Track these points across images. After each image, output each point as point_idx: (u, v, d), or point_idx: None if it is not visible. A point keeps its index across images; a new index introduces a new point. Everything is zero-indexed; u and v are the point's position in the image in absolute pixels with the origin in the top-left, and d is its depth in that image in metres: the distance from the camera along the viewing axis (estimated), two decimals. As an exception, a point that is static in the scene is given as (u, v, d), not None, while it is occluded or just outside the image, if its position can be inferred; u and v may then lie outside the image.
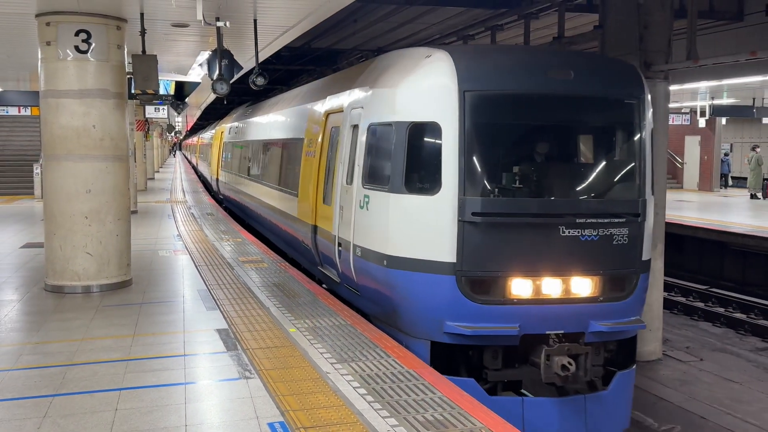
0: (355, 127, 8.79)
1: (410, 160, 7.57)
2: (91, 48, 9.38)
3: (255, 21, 10.48)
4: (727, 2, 13.90)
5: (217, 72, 10.76)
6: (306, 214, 10.97)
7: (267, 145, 16.20)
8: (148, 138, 34.35)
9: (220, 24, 10.04)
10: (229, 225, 17.78)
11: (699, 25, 12.37)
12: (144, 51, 10.30)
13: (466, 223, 7.18)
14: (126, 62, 10.10)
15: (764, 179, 28.74)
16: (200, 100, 30.04)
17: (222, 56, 10.71)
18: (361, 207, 8.19)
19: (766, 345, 13.42)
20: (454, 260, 7.21)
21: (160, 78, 11.73)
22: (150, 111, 26.18)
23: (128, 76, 10.68)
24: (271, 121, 16.20)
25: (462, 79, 7.37)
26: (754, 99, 30.38)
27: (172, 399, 5.73)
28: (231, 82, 11.03)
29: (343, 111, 9.46)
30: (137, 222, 17.53)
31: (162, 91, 16.66)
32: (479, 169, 7.44)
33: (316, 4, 9.22)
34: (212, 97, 26.03)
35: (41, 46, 9.49)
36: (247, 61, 13.60)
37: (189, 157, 72.40)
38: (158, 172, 49.60)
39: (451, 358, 7.53)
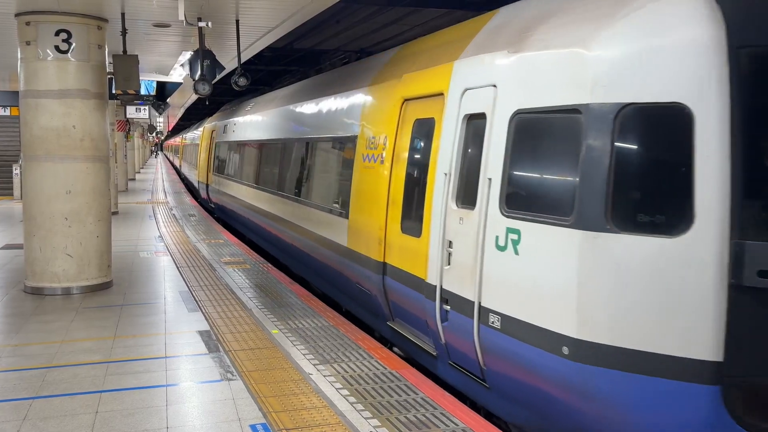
0: (475, 117, 5.94)
1: (622, 171, 4.55)
2: (72, 48, 9.32)
3: (237, 21, 10.45)
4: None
5: (199, 72, 10.72)
6: (365, 245, 7.95)
7: (289, 145, 12.52)
8: (129, 138, 34.13)
9: (202, 24, 10.00)
10: (211, 226, 17.71)
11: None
12: (125, 51, 10.24)
13: (745, 290, 4.22)
14: (107, 62, 10.04)
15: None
16: (182, 101, 29.91)
17: (204, 56, 10.66)
18: (502, 248, 5.27)
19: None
20: (719, 357, 4.25)
21: (141, 78, 11.65)
22: (131, 111, 26.01)
23: (109, 76, 10.61)
24: (294, 115, 12.56)
25: (734, 27, 4.40)
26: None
27: (153, 401, 5.70)
28: (213, 82, 10.99)
29: (443, 94, 6.54)
30: (118, 223, 17.43)
31: (143, 92, 16.58)
32: None
33: (298, 5, 9.20)
34: (194, 97, 25.91)
35: (21, 45, 9.41)
36: (229, 62, 13.56)
37: (171, 159, 71.99)
38: (139, 172, 49.34)
39: None
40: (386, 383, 6.04)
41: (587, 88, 4.73)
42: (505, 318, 5.20)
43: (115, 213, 19.83)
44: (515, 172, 5.36)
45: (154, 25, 10.67)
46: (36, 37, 9.25)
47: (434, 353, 6.51)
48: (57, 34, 9.25)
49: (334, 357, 6.76)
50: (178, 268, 11.51)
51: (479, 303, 5.50)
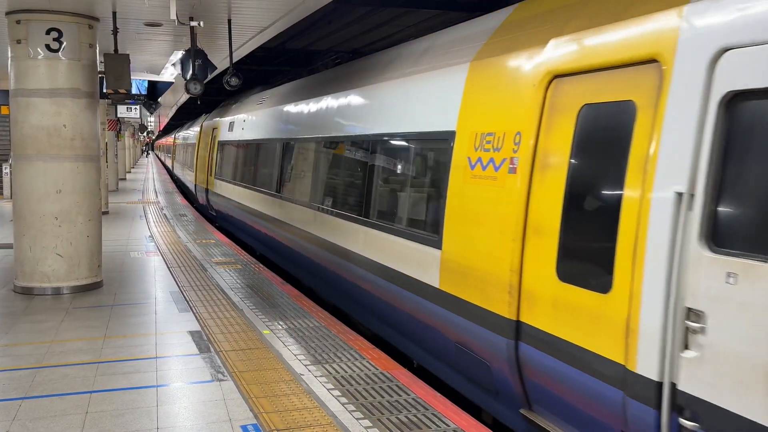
0: (756, 95, 3.56)
1: None
2: (63, 47, 9.27)
3: (229, 21, 10.43)
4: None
5: (190, 72, 10.70)
6: (478, 291, 5.70)
7: (334, 146, 9.93)
8: (120, 138, 34.05)
9: (193, 24, 9.99)
10: (202, 226, 17.66)
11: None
12: (116, 50, 10.20)
13: None
14: (98, 61, 10.00)
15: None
16: (174, 100, 29.83)
17: (196, 56, 10.64)
18: None
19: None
20: None
21: (132, 77, 11.60)
22: (122, 110, 25.95)
23: (100, 76, 10.58)
24: (342, 107, 9.73)
25: None
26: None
27: (143, 402, 5.67)
28: (205, 82, 10.97)
29: (656, 61, 4.19)
30: (108, 223, 17.37)
31: (134, 91, 16.54)
32: None
33: (290, 5, 9.19)
34: (186, 96, 25.84)
35: (11, 44, 9.37)
36: (221, 62, 13.54)
37: (163, 159, 71.70)
38: (130, 172, 49.21)
39: None
40: (378, 384, 6.04)
41: None
42: None
43: (106, 213, 19.76)
44: None
45: (146, 25, 10.64)
46: (26, 36, 9.21)
47: None
48: (48, 32, 9.20)
49: (326, 357, 6.75)
50: (168, 268, 11.47)
51: None
